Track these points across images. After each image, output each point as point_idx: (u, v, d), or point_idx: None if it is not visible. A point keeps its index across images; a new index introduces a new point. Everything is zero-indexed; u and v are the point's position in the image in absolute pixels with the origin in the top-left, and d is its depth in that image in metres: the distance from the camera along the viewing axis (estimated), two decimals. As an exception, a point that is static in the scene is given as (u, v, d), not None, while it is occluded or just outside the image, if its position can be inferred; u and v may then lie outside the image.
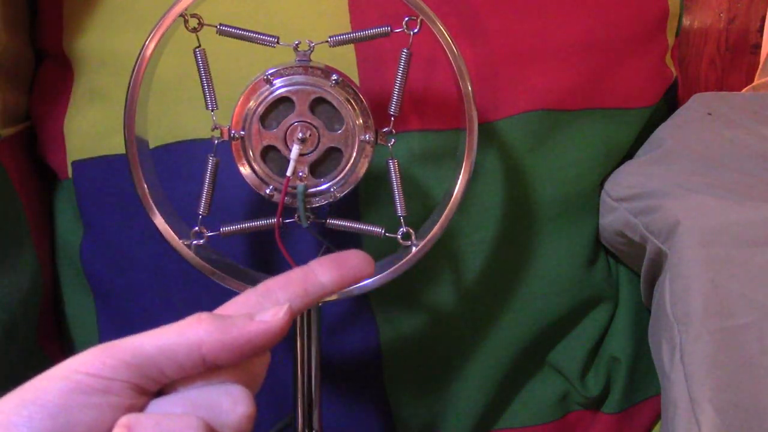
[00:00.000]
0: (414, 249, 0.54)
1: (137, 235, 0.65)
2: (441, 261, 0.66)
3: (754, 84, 0.95)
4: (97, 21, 0.64)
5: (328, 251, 0.61)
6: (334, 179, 0.52)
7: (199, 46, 0.50)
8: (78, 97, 0.66)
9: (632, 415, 0.71)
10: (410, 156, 0.63)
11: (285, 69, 0.50)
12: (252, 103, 0.50)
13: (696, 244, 0.54)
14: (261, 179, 0.52)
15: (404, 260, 0.54)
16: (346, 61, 0.62)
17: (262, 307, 0.33)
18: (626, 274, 0.72)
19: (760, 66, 0.98)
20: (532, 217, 0.67)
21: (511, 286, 0.68)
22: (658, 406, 0.70)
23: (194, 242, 0.53)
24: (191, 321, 0.30)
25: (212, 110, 0.51)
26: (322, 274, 0.34)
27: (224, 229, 0.53)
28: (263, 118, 0.51)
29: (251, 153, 0.51)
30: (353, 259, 0.35)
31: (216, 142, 0.51)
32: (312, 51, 0.51)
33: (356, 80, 0.62)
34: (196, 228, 0.53)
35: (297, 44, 0.51)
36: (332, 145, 0.51)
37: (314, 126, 0.51)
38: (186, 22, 0.49)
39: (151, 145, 0.56)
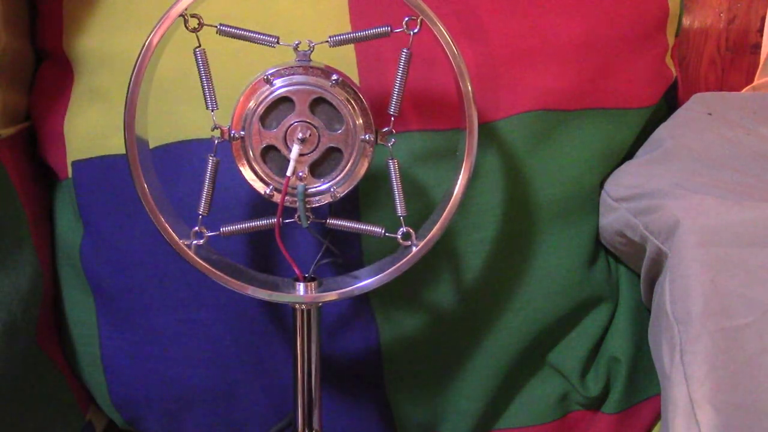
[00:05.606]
0: (414, 249, 0.54)
1: (137, 235, 0.65)
2: (441, 261, 0.66)
3: (754, 84, 0.95)
4: (97, 21, 0.64)
5: (328, 251, 0.61)
6: (334, 179, 0.52)
7: (199, 46, 0.50)
8: (78, 97, 0.66)
9: (632, 415, 0.71)
10: (410, 156, 0.63)
11: (285, 69, 0.50)
12: (252, 103, 0.50)
13: (696, 244, 0.54)
14: (261, 179, 0.52)
15: (404, 260, 0.54)
16: (346, 61, 0.62)
17: None
18: (626, 274, 0.72)
19: (760, 66, 0.98)
20: (532, 217, 0.67)
21: (511, 286, 0.68)
22: (658, 406, 0.70)
23: (194, 242, 0.53)
24: None
25: (212, 110, 0.51)
26: None
27: (224, 229, 0.53)
28: (263, 118, 0.51)
29: (251, 153, 0.51)
30: None
31: (216, 142, 0.51)
32: (312, 51, 0.51)
33: (356, 80, 0.62)
34: (196, 228, 0.53)
35: (297, 44, 0.51)
36: (332, 145, 0.51)
37: (314, 126, 0.51)
38: (186, 22, 0.50)
39: (151, 145, 0.56)
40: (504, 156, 0.65)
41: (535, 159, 0.66)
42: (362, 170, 0.52)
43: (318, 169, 0.52)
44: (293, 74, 0.50)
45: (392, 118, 0.52)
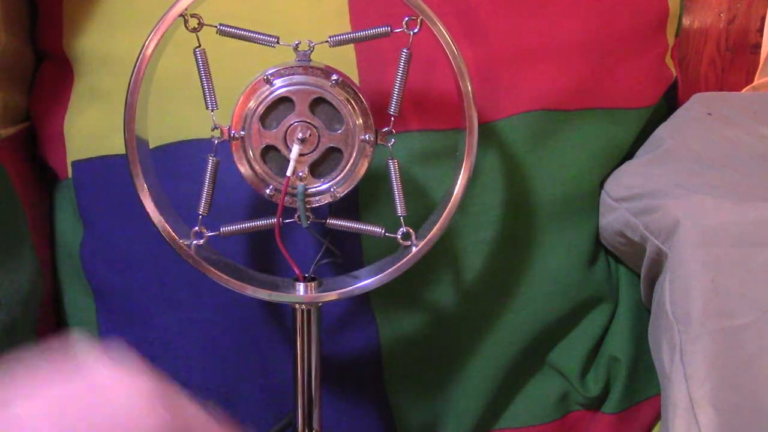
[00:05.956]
0: (414, 249, 0.54)
1: (137, 235, 0.65)
2: (441, 261, 0.66)
3: (754, 84, 0.95)
4: (97, 21, 0.64)
5: (328, 251, 0.61)
6: (334, 179, 0.52)
7: (199, 46, 0.50)
8: (78, 97, 0.66)
9: (632, 415, 0.71)
10: (410, 156, 0.63)
11: (285, 69, 0.50)
12: (252, 103, 0.50)
13: (696, 244, 0.54)
14: (261, 179, 0.52)
15: (404, 260, 0.54)
16: (346, 61, 0.62)
17: None
18: (626, 274, 0.72)
19: (760, 66, 0.98)
20: (532, 217, 0.67)
21: (511, 286, 0.68)
22: (658, 406, 0.70)
23: (194, 242, 0.53)
24: None
25: (212, 110, 0.51)
26: None
27: (224, 229, 0.53)
28: (263, 118, 0.51)
29: (251, 153, 0.51)
30: None
31: (216, 142, 0.51)
32: (312, 51, 0.51)
33: (356, 80, 0.62)
34: (196, 228, 0.53)
35: (297, 44, 0.51)
36: (332, 145, 0.51)
37: (314, 126, 0.51)
38: (186, 22, 0.49)
39: (151, 145, 0.56)
40: (504, 156, 0.65)
41: (535, 159, 0.66)
42: (362, 170, 0.52)
43: (318, 169, 0.52)
44: (293, 74, 0.50)
45: (392, 118, 0.52)
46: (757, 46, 1.00)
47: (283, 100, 0.50)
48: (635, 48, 0.69)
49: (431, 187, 0.64)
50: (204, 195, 0.52)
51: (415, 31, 0.50)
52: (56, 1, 0.65)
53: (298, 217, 0.52)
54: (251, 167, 0.52)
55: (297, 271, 0.55)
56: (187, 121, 0.63)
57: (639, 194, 0.63)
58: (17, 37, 0.66)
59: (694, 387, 0.47)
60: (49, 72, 0.68)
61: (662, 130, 0.71)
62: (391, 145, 0.52)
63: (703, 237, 0.54)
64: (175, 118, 0.63)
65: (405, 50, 0.51)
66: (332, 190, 0.52)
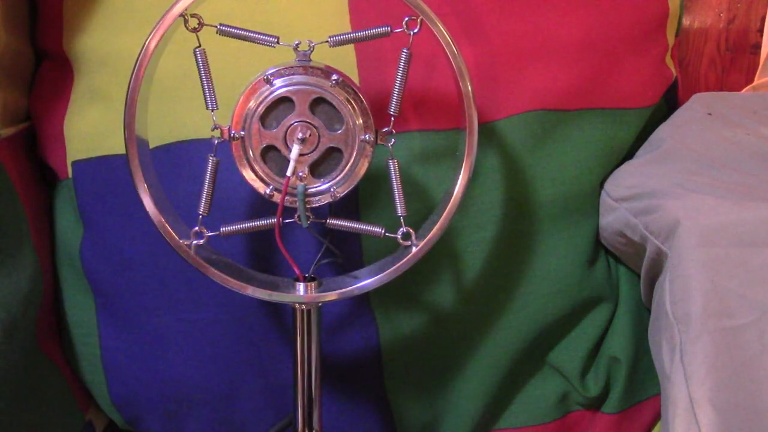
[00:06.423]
0: (414, 249, 0.54)
1: (137, 235, 0.65)
2: (441, 261, 0.66)
3: (754, 84, 0.95)
4: (97, 21, 0.64)
5: (328, 251, 0.61)
6: (334, 179, 0.52)
7: (199, 46, 0.50)
8: (78, 97, 0.66)
9: (632, 415, 0.71)
10: (410, 156, 0.63)
11: (285, 69, 0.50)
12: (252, 103, 0.50)
13: (696, 244, 0.54)
14: (261, 179, 0.52)
15: (404, 260, 0.54)
16: (346, 61, 0.62)
17: None
18: (626, 274, 0.72)
19: (760, 66, 0.98)
20: (532, 217, 0.67)
21: (511, 286, 0.68)
22: (658, 406, 0.70)
23: (194, 242, 0.53)
24: None
25: (212, 110, 0.51)
26: None
27: (224, 229, 0.53)
28: (263, 118, 0.51)
29: (251, 153, 0.51)
30: None
31: (216, 142, 0.51)
32: (312, 51, 0.51)
33: (356, 80, 0.62)
34: (196, 228, 0.53)
35: (297, 44, 0.51)
36: (332, 145, 0.51)
37: (314, 126, 0.51)
38: (186, 22, 0.50)
39: (152, 145, 0.56)
40: (504, 156, 0.65)
41: (535, 159, 0.66)
42: (362, 170, 0.52)
43: (318, 169, 0.52)
44: (293, 74, 0.50)
45: (392, 118, 0.52)
46: (757, 46, 1.01)
47: (283, 100, 0.50)
48: (635, 48, 0.69)
49: (431, 187, 0.64)
50: (204, 195, 0.52)
51: (415, 31, 0.50)
52: (56, 1, 0.65)
53: (298, 217, 0.52)
54: (251, 167, 0.52)
55: (297, 271, 0.55)
56: (187, 121, 0.63)
57: (639, 194, 0.63)
58: (17, 37, 0.66)
59: (694, 387, 0.47)
60: (49, 72, 0.68)
61: (662, 130, 0.71)
62: (391, 145, 0.52)
63: (703, 237, 0.54)
64: (175, 118, 0.63)
65: (405, 50, 0.51)
66: (332, 190, 0.52)
